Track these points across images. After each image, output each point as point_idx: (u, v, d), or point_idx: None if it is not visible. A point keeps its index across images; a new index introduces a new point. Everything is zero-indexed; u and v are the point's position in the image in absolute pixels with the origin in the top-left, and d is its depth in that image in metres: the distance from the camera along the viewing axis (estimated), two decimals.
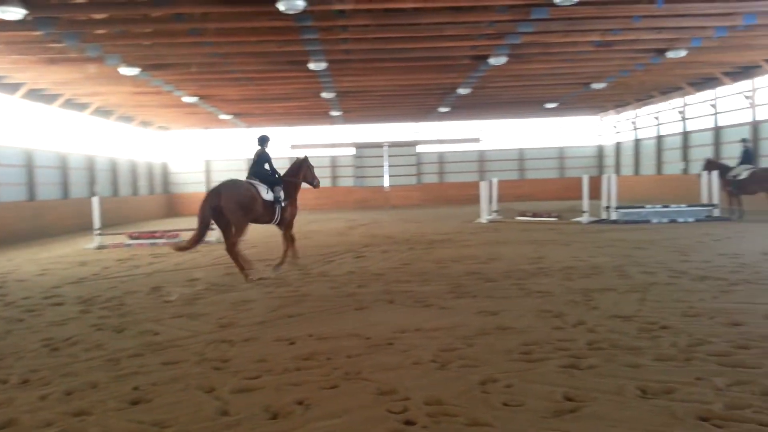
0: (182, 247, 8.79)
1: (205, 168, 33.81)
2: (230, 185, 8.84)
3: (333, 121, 32.07)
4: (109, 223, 21.08)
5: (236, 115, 28.37)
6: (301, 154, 10.65)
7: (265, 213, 9.15)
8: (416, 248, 12.00)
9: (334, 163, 34.37)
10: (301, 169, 10.01)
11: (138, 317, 6.40)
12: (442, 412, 3.46)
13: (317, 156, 34.15)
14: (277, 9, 11.84)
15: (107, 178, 26.35)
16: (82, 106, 23.55)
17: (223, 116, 27.93)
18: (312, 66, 16.79)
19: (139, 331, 5.77)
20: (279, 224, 9.54)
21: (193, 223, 9.34)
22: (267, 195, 9.19)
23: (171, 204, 32.84)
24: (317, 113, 29.09)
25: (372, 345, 4.94)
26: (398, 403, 3.60)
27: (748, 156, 16.70)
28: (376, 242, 13.41)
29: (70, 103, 22.50)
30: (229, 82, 20.05)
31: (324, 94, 22.51)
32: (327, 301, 6.86)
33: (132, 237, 14.98)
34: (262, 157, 9.67)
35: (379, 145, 34.41)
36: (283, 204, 9.48)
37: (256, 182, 9.24)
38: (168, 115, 27.92)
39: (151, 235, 15.21)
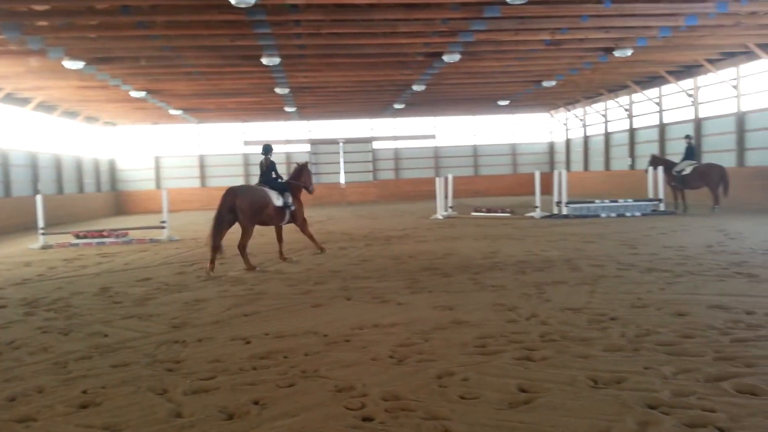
0: (213, 250, 9.10)
1: (155, 165, 32.97)
2: (246, 189, 9.81)
3: (288, 116, 31.77)
4: (54, 222, 20.32)
5: (187, 110, 27.77)
6: (301, 159, 12.29)
7: (275, 217, 10.00)
8: (373, 245, 12.01)
9: (289, 160, 34.02)
10: (302, 174, 10.91)
11: (86, 319, 6.19)
12: (400, 407, 3.47)
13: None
14: (229, 2, 11.64)
15: (51, 175, 25.36)
16: (24, 101, 22.60)
17: (173, 111, 27.28)
18: (265, 61, 16.58)
19: (87, 333, 5.59)
20: (292, 222, 10.54)
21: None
22: (278, 201, 10.01)
23: (119, 202, 31.91)
24: (271, 109, 28.75)
25: (329, 342, 4.92)
26: (356, 400, 3.60)
27: (691, 152, 17.38)
28: (332, 239, 13.36)
29: (11, 98, 21.55)
30: (179, 76, 19.60)
31: (278, 90, 22.27)
32: (283, 299, 6.79)
33: (78, 236, 14.50)
34: (269, 167, 10.55)
35: (334, 142, 34.28)
36: (292, 208, 10.37)
37: (267, 189, 10.02)
38: (115, 110, 27.09)
39: (99, 234, 14.76)
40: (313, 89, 23.54)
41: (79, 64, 16.25)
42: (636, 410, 3.30)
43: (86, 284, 8.44)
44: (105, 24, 13.62)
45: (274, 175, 10.46)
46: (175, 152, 33.25)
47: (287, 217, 10.24)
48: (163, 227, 14.74)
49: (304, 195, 10.88)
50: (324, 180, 34.31)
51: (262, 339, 5.10)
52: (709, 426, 3.06)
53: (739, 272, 7.34)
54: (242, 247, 9.38)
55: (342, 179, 34.34)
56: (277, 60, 16.63)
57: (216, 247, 9.01)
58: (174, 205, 30.29)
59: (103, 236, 14.58)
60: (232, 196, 9.37)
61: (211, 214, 9.48)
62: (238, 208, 9.31)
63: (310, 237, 10.81)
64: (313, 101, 26.87)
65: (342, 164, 34.31)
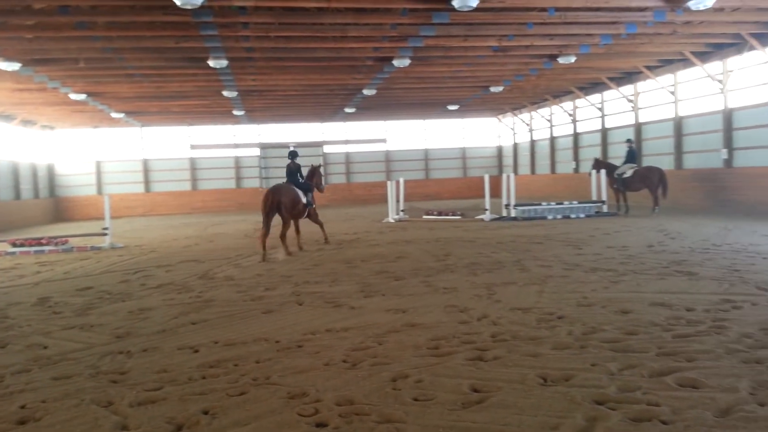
0: (262, 239, 11.01)
1: (96, 169, 31.82)
2: (286, 188, 11.63)
3: (237, 120, 31.26)
4: None
5: (130, 113, 26.95)
6: (316, 162, 14.38)
7: (302, 212, 11.96)
8: (325, 249, 11.95)
9: (238, 164, 33.52)
10: (315, 175, 12.95)
11: (24, 330, 5.92)
12: (354, 412, 3.46)
13: (220, 157, 33.19)
14: (174, 3, 11.37)
15: None
16: None
17: (115, 114, 26.42)
18: (212, 63, 16.26)
19: (25, 345, 5.34)
20: (308, 217, 12.50)
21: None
22: (303, 198, 11.92)
23: (58, 208, 30.65)
24: (219, 112, 28.23)
25: (281, 348, 4.86)
26: (309, 406, 3.56)
27: (632, 155, 18.04)
28: None
29: None
30: (121, 78, 19.00)
31: (226, 93, 21.88)
32: (233, 306, 6.67)
33: (15, 244, 13.85)
34: (294, 170, 12.39)
35: (285, 146, 33.93)
36: (312, 205, 12.40)
37: (295, 188, 11.84)
38: (54, 113, 26.02)
39: (37, 242, 14.13)
40: (262, 92, 23.25)
41: (14, 66, 15.53)
42: (584, 406, 3.39)
43: (24, 294, 8.07)
44: (42, 24, 13.07)
45: (299, 178, 12.33)
46: (118, 156, 32.18)
47: (307, 212, 12.23)
48: (105, 234, 14.26)
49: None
50: (274, 184, 33.91)
51: (211, 347, 4.99)
52: (654, 420, 3.17)
53: (679, 270, 7.65)
54: (283, 236, 11.23)
55: None
56: (224, 62, 16.34)
57: (266, 235, 10.98)
58: (117, 212, 29.38)
59: (41, 244, 13.97)
60: (276, 194, 11.26)
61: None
62: (282, 203, 11.22)
63: (321, 226, 13.04)
64: (263, 105, 26.54)
65: None
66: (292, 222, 11.60)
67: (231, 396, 3.82)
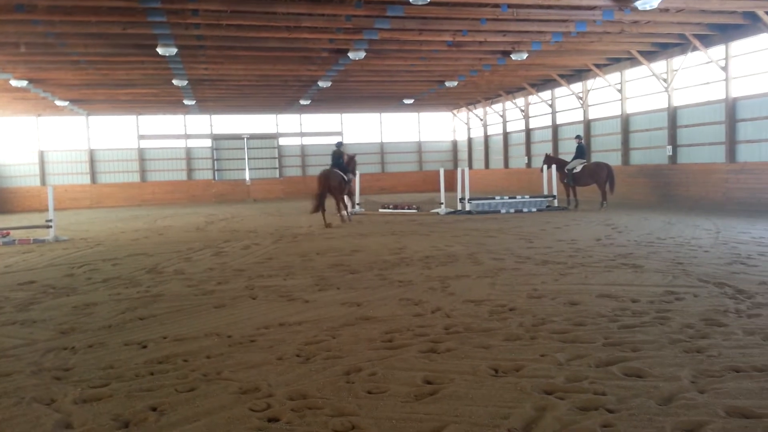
0: (322, 212, 14.66)
1: (39, 159, 30.58)
2: (333, 173, 14.84)
3: (187, 110, 30.55)
4: None
5: (75, 101, 25.99)
6: (350, 151, 18.26)
7: (344, 189, 15.15)
8: (280, 242, 11.83)
9: (189, 155, 32.78)
10: (351, 162, 15.82)
11: None
12: (307, 406, 3.43)
13: (170, 147, 32.38)
14: None
15: None
16: None
17: (59, 102, 25.44)
18: (161, 51, 15.81)
19: None
20: (348, 195, 16.08)
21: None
22: (345, 177, 15.09)
23: (0, 199, 29.34)
24: (169, 101, 27.54)
25: (233, 343, 4.78)
26: (261, 401, 3.52)
27: (582, 151, 18.51)
28: (237, 237, 13.03)
29: None
30: (65, 65, 18.30)
31: (176, 81, 21.34)
32: (183, 301, 6.52)
33: None
34: (339, 156, 15.47)
35: (238, 137, 33.41)
36: (350, 184, 15.78)
37: (338, 171, 14.98)
38: None
39: None
40: (213, 82, 22.79)
41: None
42: (534, 396, 3.46)
43: None
44: None
45: (342, 162, 15.33)
46: (63, 146, 31.01)
47: (347, 191, 15.60)
48: (49, 226, 13.72)
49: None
50: (228, 177, 33.36)
51: (159, 343, 4.87)
52: (600, 408, 3.26)
53: (625, 263, 7.90)
54: (339, 210, 15.16)
55: (247, 176, 33.54)
56: (173, 50, 15.92)
57: (321, 209, 14.52)
58: (61, 203, 28.34)
59: None
60: (327, 179, 14.59)
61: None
62: (331, 186, 14.53)
63: (345, 205, 15.66)
64: (215, 94, 26.02)
65: (247, 160, 33.51)
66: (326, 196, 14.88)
67: (180, 392, 3.73)
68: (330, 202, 15.37)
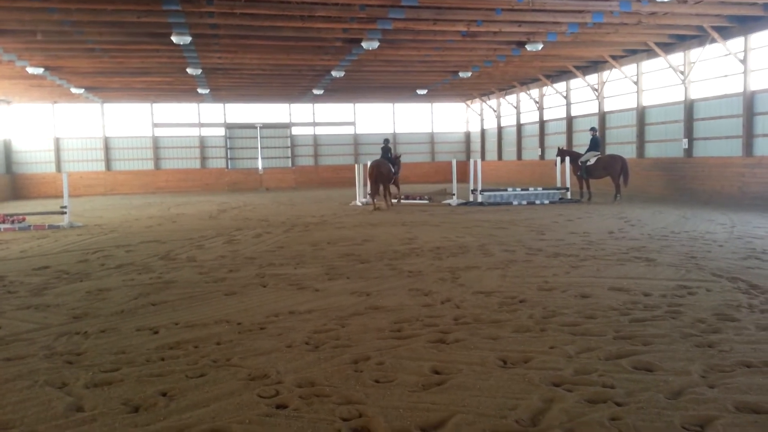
0: (372, 197, 16.88)
1: (55, 146, 30.86)
2: (383, 163, 16.88)
3: (201, 98, 30.65)
4: None
5: (90, 89, 26.15)
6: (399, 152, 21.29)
7: (392, 178, 17.27)
8: (291, 231, 11.86)
9: (203, 144, 32.92)
10: (397, 161, 17.90)
11: None
12: (315, 393, 3.45)
13: (184, 136, 32.53)
14: None
15: None
16: None
17: (75, 90, 25.61)
18: (175, 39, 15.82)
19: None
20: (393, 183, 17.83)
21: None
22: (392, 169, 17.31)
23: (16, 185, 29.70)
24: (183, 90, 27.62)
25: (243, 330, 4.81)
26: (270, 388, 3.54)
27: (596, 144, 18.35)
28: (249, 225, 13.08)
29: None
30: (81, 52, 18.40)
31: (190, 70, 21.39)
32: (195, 288, 6.57)
33: None
34: (387, 150, 18.11)
35: (252, 126, 33.47)
36: (397, 175, 17.77)
37: (388, 162, 17.18)
38: (10, 87, 25.07)
39: None
40: (227, 71, 22.81)
41: None
42: (542, 388, 3.45)
43: None
44: None
45: (389, 156, 17.80)
46: (78, 134, 31.25)
47: (393, 179, 17.53)
48: (63, 212, 13.87)
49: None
50: (240, 165, 33.48)
51: (171, 329, 4.91)
52: (608, 401, 3.25)
53: (637, 257, 7.84)
54: (385, 196, 17.26)
55: (260, 165, 33.63)
56: (188, 39, 15.93)
57: (375, 195, 16.66)
58: (76, 190, 28.62)
59: None
60: (378, 168, 16.52)
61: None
62: (382, 174, 16.56)
63: (398, 190, 18.62)
64: (228, 83, 26.05)
65: (260, 149, 33.59)
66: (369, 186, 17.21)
67: (190, 378, 3.76)
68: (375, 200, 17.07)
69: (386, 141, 18.67)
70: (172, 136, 32.43)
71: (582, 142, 23.06)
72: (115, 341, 4.61)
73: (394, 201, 18.05)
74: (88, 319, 5.31)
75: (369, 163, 17.27)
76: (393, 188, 18.11)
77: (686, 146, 19.00)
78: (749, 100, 16.72)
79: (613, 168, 17.25)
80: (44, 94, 27.68)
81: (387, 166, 16.87)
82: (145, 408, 3.34)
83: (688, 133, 18.92)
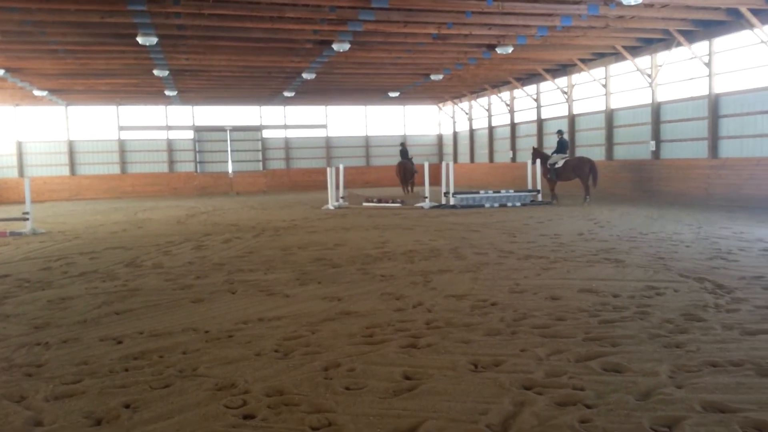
0: (404, 188, 24.21)
1: (17, 150, 30.07)
2: (409, 163, 24.34)
3: (169, 101, 30.22)
4: None
5: (53, 91, 25.59)
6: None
7: (413, 177, 23.81)
8: (261, 236, 11.75)
9: (171, 147, 32.44)
10: (411, 162, 24.53)
11: None
12: (284, 402, 3.40)
13: (151, 139, 32.02)
14: None
15: None
16: None
17: (38, 92, 25.03)
18: (141, 40, 15.57)
19: None
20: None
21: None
22: (414, 167, 23.88)
23: None
24: (150, 92, 27.21)
25: (211, 339, 4.73)
26: (237, 398, 3.48)
27: (563, 146, 18.60)
28: (218, 230, 12.91)
29: None
30: (44, 54, 18.00)
31: (156, 72, 21.07)
32: (161, 295, 6.45)
33: None
34: (406, 151, 25.18)
35: (221, 129, 33.11)
36: (416, 172, 23.62)
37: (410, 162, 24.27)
38: None
39: None
40: (195, 72, 22.54)
41: None
42: (512, 391, 3.46)
43: None
44: None
45: (408, 156, 24.55)
46: (41, 137, 30.51)
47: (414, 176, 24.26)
48: (26, 219, 13.50)
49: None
50: (210, 169, 33.07)
51: (135, 338, 4.80)
52: (578, 404, 3.27)
53: (607, 258, 7.95)
54: (410, 190, 23.79)
55: (230, 168, 33.28)
56: (154, 40, 15.68)
57: (405, 187, 23.60)
58: (40, 195, 27.94)
59: None
60: (404, 166, 23.57)
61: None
62: (408, 170, 23.67)
63: (413, 185, 24.52)
64: (197, 85, 25.75)
65: (230, 153, 33.23)
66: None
67: (154, 389, 3.68)
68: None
69: (403, 144, 25.21)
70: (138, 139, 31.91)
71: (553, 144, 23.34)
72: (77, 352, 4.49)
73: (416, 189, 23.25)
74: (49, 329, 5.16)
75: (397, 163, 24.83)
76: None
77: (654, 148, 19.40)
78: (714, 103, 17.14)
79: (582, 170, 17.50)
80: (5, 97, 26.98)
81: (411, 165, 24.00)
82: (107, 421, 3.25)
83: (656, 135, 19.33)
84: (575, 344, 4.29)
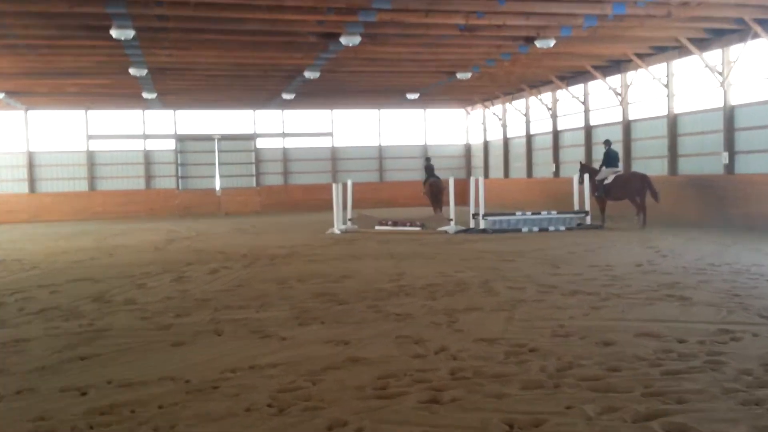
0: (435, 209, 24.86)
1: None
2: (441, 180, 24.51)
3: (147, 105, 30.68)
4: None
5: (11, 93, 26.08)
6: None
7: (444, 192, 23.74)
8: (254, 266, 11.86)
9: (148, 160, 32.84)
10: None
11: None
12: None
13: (126, 150, 32.48)
14: None
15: None
16: None
17: None
18: (115, 34, 15.82)
19: None
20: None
21: None
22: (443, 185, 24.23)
23: None
24: (125, 94, 27.66)
25: (192, 390, 4.77)
26: None
27: (611, 158, 18.56)
28: (202, 259, 13.05)
29: None
30: (2, 49, 18.39)
31: (133, 70, 21.40)
32: (134, 337, 6.52)
33: None
34: (431, 167, 26.57)
35: (208, 138, 33.50)
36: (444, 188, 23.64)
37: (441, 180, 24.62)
38: None
39: None
40: (178, 71, 22.89)
41: None
42: None
43: None
44: None
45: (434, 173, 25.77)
46: None
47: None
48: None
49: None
50: (194, 185, 33.42)
51: (102, 389, 4.85)
52: None
53: (670, 294, 7.89)
54: (441, 209, 23.84)
55: (217, 184, 33.58)
56: (130, 33, 15.93)
57: (436, 208, 24.49)
58: None
59: None
60: (440, 184, 24.60)
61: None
62: (443, 189, 23.67)
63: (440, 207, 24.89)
64: (179, 87, 26.14)
65: (217, 166, 33.58)
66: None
67: None
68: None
69: (428, 159, 27.48)
70: (111, 150, 32.38)
71: (602, 156, 23.30)
72: (33, 405, 4.54)
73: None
74: (1, 378, 5.22)
75: (429, 181, 25.83)
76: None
77: (726, 161, 19.27)
78: None
79: (631, 187, 17.42)
80: None
81: (444, 184, 23.58)
82: None
83: (729, 145, 19.20)
84: (632, 400, 4.26)
